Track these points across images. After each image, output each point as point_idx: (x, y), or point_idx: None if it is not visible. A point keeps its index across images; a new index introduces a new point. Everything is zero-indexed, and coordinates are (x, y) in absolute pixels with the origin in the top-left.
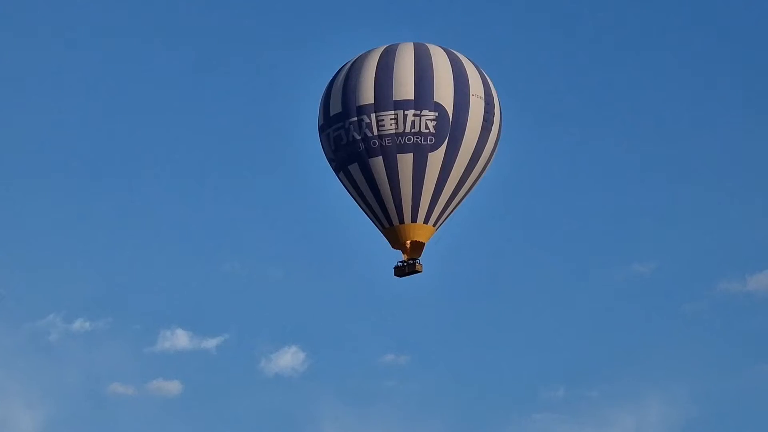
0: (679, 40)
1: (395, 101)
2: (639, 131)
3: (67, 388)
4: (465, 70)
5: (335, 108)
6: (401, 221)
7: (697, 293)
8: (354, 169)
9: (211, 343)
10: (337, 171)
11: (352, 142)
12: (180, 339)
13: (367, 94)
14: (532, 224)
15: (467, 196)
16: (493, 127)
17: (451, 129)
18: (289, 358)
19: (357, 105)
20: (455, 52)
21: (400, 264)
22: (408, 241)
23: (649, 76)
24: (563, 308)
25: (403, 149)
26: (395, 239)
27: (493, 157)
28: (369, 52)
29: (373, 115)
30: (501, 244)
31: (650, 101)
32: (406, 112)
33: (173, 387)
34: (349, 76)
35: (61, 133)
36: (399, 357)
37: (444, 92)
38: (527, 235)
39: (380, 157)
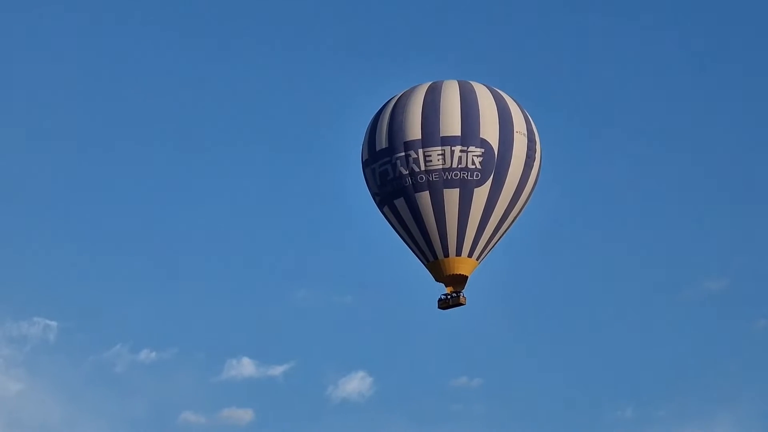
0: (728, 68)
1: (442, 137)
2: (698, 153)
3: (137, 419)
4: (509, 108)
5: (381, 143)
6: (446, 255)
7: None
8: (400, 203)
9: (277, 371)
10: (381, 205)
11: (398, 177)
12: (246, 367)
13: (414, 130)
14: (589, 247)
15: (509, 230)
16: (534, 163)
17: (497, 165)
18: (356, 384)
19: (404, 140)
20: (498, 90)
21: (443, 297)
22: (451, 274)
23: (694, 103)
24: (631, 327)
25: (450, 184)
26: (439, 273)
27: (533, 192)
28: (413, 88)
29: (420, 151)
30: (555, 269)
31: (702, 124)
32: (453, 148)
33: (245, 415)
34: (395, 112)
35: (124, 163)
36: (469, 381)
37: (490, 129)
38: (584, 256)
39: (427, 192)
